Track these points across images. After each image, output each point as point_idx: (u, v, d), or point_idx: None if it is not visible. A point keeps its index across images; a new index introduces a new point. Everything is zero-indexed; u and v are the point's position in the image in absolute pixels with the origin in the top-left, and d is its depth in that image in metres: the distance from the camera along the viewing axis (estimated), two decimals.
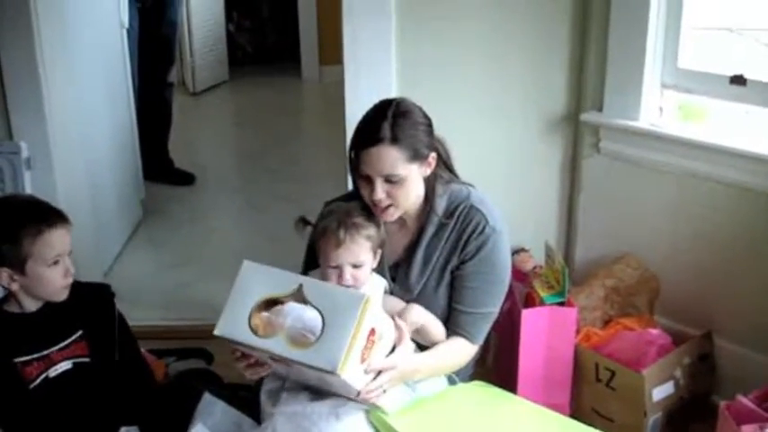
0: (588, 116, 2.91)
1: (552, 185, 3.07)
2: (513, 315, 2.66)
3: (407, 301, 2.31)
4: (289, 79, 7.35)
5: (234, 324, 2.06)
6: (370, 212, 2.22)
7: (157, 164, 4.80)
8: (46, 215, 2.19)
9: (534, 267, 2.84)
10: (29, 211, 2.20)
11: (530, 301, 2.63)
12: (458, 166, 2.37)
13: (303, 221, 2.29)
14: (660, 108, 2.82)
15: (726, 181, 2.64)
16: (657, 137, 2.77)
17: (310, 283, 2.03)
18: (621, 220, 2.94)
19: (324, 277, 2.18)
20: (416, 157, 2.18)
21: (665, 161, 2.77)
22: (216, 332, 2.05)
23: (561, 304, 2.58)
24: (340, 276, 2.16)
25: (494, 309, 2.31)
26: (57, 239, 2.17)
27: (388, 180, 2.17)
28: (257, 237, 4.07)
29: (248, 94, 7.16)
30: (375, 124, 2.17)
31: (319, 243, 2.19)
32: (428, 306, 2.30)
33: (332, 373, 1.89)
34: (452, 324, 2.30)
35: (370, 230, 2.18)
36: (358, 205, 2.22)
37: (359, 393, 2.01)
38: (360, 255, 2.16)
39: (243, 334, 2.03)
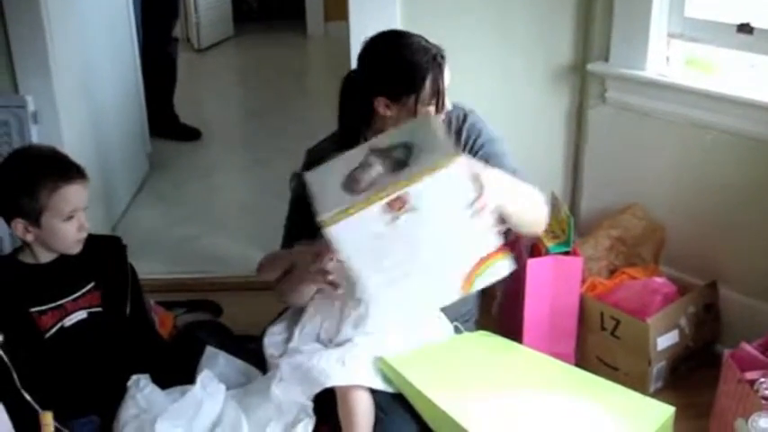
0: (594, 66, 2.90)
1: (558, 136, 3.07)
2: (518, 265, 2.66)
3: None
4: (294, 35, 7.32)
5: (333, 202, 1.89)
6: None
7: (163, 119, 4.81)
8: (64, 169, 2.19)
9: None
10: (47, 164, 2.20)
11: (535, 252, 2.63)
12: None
13: (297, 176, 2.29)
14: (667, 57, 2.80)
15: (732, 130, 2.63)
16: (664, 86, 2.76)
17: (377, 140, 2.03)
18: (627, 170, 2.94)
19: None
20: None
21: (672, 111, 2.76)
22: (323, 217, 1.87)
23: (566, 254, 2.58)
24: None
25: (516, 165, 2.34)
26: (73, 194, 2.17)
27: None
28: (262, 191, 4.09)
29: (253, 51, 7.14)
30: (429, 49, 2.25)
31: None
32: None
33: (450, 159, 1.83)
34: None
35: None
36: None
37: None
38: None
39: (347, 201, 1.88)
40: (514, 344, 2.47)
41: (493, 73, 2.96)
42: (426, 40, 2.29)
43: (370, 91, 2.30)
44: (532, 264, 2.55)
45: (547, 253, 2.58)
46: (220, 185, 4.38)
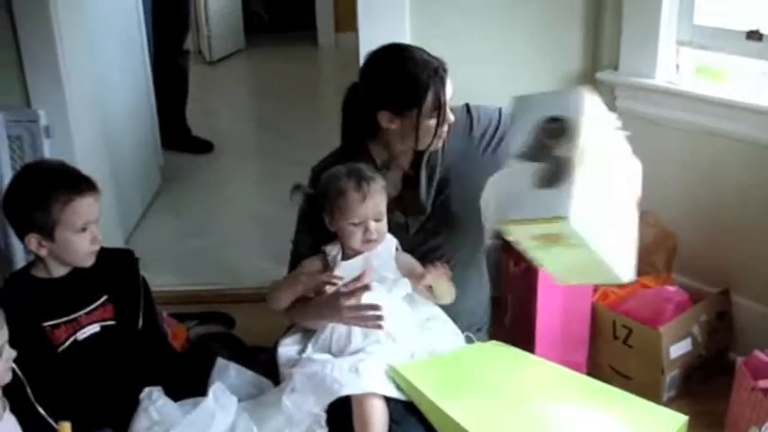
0: (604, 75, 2.90)
1: None
2: (529, 275, 2.66)
3: (422, 224, 2.44)
4: (305, 47, 7.35)
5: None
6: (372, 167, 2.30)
7: (175, 132, 4.83)
8: (76, 183, 2.20)
9: None
10: (59, 177, 2.21)
11: None
12: None
13: (298, 188, 2.35)
14: (676, 65, 2.80)
15: (743, 138, 2.62)
16: (674, 94, 2.76)
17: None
18: None
19: (347, 236, 2.24)
20: None
21: (682, 119, 2.75)
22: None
23: None
24: (366, 231, 2.22)
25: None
26: (85, 207, 2.18)
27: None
28: (274, 203, 4.08)
29: (264, 62, 7.16)
30: (433, 62, 2.30)
31: (336, 204, 2.22)
32: (450, 218, 2.44)
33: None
34: None
35: (381, 182, 2.26)
36: (357, 164, 2.28)
37: None
38: (381, 206, 2.24)
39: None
40: (526, 353, 2.47)
41: (501, 83, 2.94)
42: (428, 54, 2.32)
43: (373, 105, 2.32)
44: (544, 273, 2.54)
45: None
46: (233, 197, 4.39)
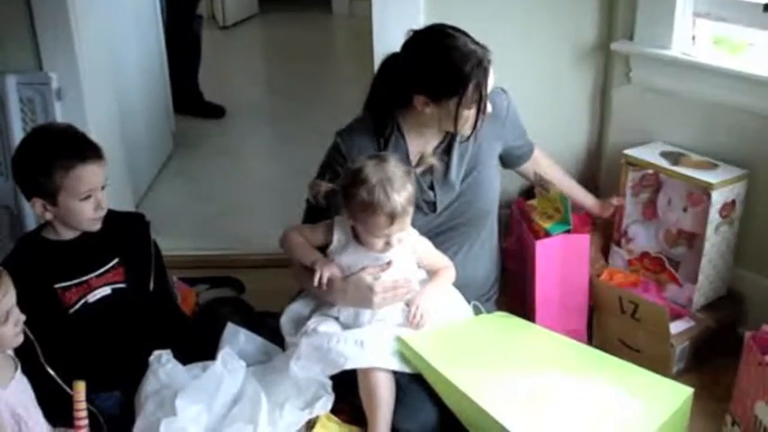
0: (619, 45, 2.87)
1: (583, 115, 3.04)
2: (524, 247, 2.67)
3: (451, 203, 2.45)
4: (319, 13, 7.31)
5: None
6: (403, 166, 2.21)
7: (187, 96, 4.82)
8: (80, 149, 2.19)
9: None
10: (63, 143, 2.20)
11: (534, 235, 2.62)
12: None
13: (318, 186, 2.27)
14: (693, 37, 2.77)
15: (758, 111, 2.59)
16: (689, 66, 2.73)
17: None
18: None
19: (366, 242, 2.20)
20: None
21: (697, 90, 2.72)
22: None
23: (568, 232, 2.58)
24: (387, 243, 2.18)
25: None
26: (89, 174, 2.18)
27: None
28: (286, 169, 4.09)
29: (278, 28, 7.13)
30: (474, 53, 2.27)
31: (359, 214, 2.16)
32: (476, 197, 2.45)
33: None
34: (528, 157, 2.67)
35: (411, 190, 2.17)
36: (391, 161, 2.19)
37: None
38: (407, 220, 2.18)
39: None
40: (531, 325, 2.48)
41: (517, 53, 2.93)
42: (473, 41, 2.29)
43: (411, 86, 2.29)
44: (541, 245, 2.55)
45: (547, 234, 2.57)
46: (244, 163, 4.39)
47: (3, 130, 2.94)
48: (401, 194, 2.11)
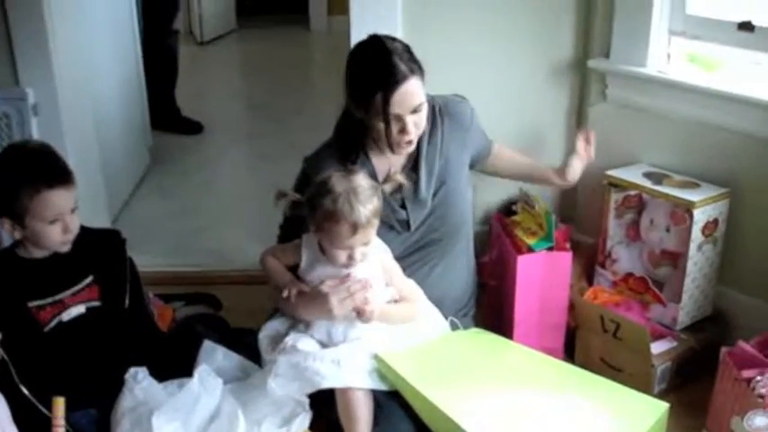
0: (595, 63, 2.90)
1: (558, 132, 3.06)
2: (504, 262, 2.67)
3: (424, 220, 2.44)
4: (297, 29, 7.33)
5: None
6: (370, 180, 2.20)
7: (165, 112, 4.80)
8: (48, 174, 2.14)
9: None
10: (32, 166, 2.16)
11: (516, 250, 2.62)
12: None
13: (283, 195, 2.24)
14: (668, 55, 2.80)
15: (733, 129, 2.62)
16: (665, 84, 2.76)
17: None
18: None
19: (330, 255, 2.18)
20: (423, 79, 2.28)
21: (673, 108, 2.75)
22: None
23: (550, 249, 2.58)
24: (350, 257, 2.16)
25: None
26: (55, 199, 2.14)
27: (414, 111, 2.25)
28: (263, 185, 4.03)
29: (256, 44, 7.14)
30: (389, 65, 2.22)
31: (323, 225, 2.14)
32: (449, 211, 2.45)
33: None
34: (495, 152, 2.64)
35: (377, 203, 2.16)
36: (359, 174, 2.18)
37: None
38: (372, 233, 2.17)
39: None
40: (508, 341, 2.49)
41: (493, 69, 2.95)
42: (402, 56, 2.25)
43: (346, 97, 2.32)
44: (522, 260, 2.55)
45: (530, 250, 2.58)
46: (221, 179, 4.38)
47: None
48: (366, 206, 2.10)
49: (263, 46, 7.03)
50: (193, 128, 4.94)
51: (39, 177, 2.12)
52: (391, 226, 2.38)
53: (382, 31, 2.39)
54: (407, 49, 2.30)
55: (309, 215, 2.17)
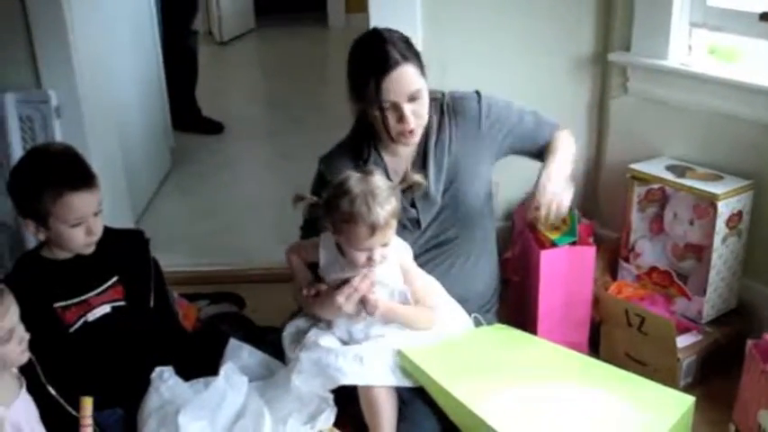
0: (616, 56, 2.88)
1: (580, 126, 3.04)
2: (527, 257, 2.66)
3: (434, 218, 2.42)
4: (315, 27, 7.33)
5: None
6: (387, 181, 2.19)
7: (185, 113, 4.83)
8: (71, 177, 2.16)
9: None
10: (56, 169, 2.17)
11: (539, 245, 2.60)
12: None
13: (301, 198, 2.23)
14: (689, 47, 2.78)
15: (756, 120, 2.59)
16: (686, 76, 2.74)
17: None
18: None
19: (349, 256, 2.16)
20: (422, 68, 2.27)
21: (695, 100, 2.73)
22: None
23: (573, 243, 2.58)
24: (370, 258, 2.14)
25: (530, 109, 2.53)
26: (78, 203, 2.15)
27: (412, 99, 2.23)
28: (285, 184, 4.07)
29: (275, 43, 7.15)
30: (381, 52, 2.23)
31: (342, 227, 2.12)
32: (461, 209, 2.41)
33: None
34: (544, 143, 2.48)
35: (395, 204, 2.13)
36: (376, 175, 2.15)
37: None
38: (390, 234, 2.15)
39: None
40: (532, 336, 2.48)
41: (514, 63, 2.94)
42: (396, 45, 2.25)
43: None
44: (546, 255, 2.53)
45: (553, 245, 2.56)
46: (243, 178, 4.39)
47: (3, 148, 2.95)
48: (384, 207, 2.08)
49: (281, 45, 7.05)
50: (214, 128, 4.97)
51: (62, 180, 2.13)
52: (404, 225, 2.37)
53: (401, 28, 2.39)
54: (405, 39, 2.30)
55: (327, 217, 2.15)
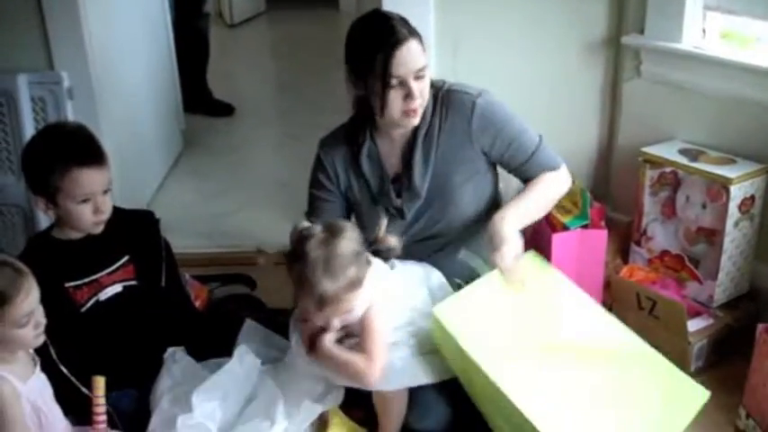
0: (629, 39, 2.87)
1: (593, 109, 3.04)
2: (539, 241, 2.65)
3: (420, 210, 2.35)
4: (326, 10, 7.31)
5: None
6: (354, 245, 1.99)
7: (196, 95, 4.82)
8: (80, 153, 2.17)
9: None
10: (65, 145, 2.19)
11: (552, 228, 2.61)
12: (495, 90, 2.36)
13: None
14: (703, 30, 2.77)
15: None
16: (700, 59, 2.72)
17: None
18: None
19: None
20: (424, 46, 2.21)
21: (708, 84, 2.72)
22: None
23: (585, 226, 2.56)
24: (326, 323, 2.01)
25: (536, 136, 2.35)
26: (86, 179, 2.16)
27: (418, 77, 2.18)
28: (296, 166, 4.06)
29: (285, 25, 7.14)
30: (388, 27, 2.18)
31: (297, 289, 1.97)
32: (449, 205, 2.33)
33: None
34: (532, 176, 2.34)
35: (354, 275, 1.94)
36: (345, 237, 1.97)
37: None
38: (347, 306, 1.98)
39: None
40: (564, 279, 2.30)
41: (526, 48, 2.93)
42: (399, 23, 2.20)
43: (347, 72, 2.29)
44: (558, 238, 2.53)
45: (564, 228, 2.55)
46: (254, 160, 4.39)
47: (15, 129, 2.96)
48: (336, 280, 1.91)
49: (292, 27, 7.03)
50: (225, 110, 4.96)
51: (71, 156, 2.15)
52: (391, 214, 2.33)
53: (413, 11, 2.37)
54: (406, 20, 2.24)
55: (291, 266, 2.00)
